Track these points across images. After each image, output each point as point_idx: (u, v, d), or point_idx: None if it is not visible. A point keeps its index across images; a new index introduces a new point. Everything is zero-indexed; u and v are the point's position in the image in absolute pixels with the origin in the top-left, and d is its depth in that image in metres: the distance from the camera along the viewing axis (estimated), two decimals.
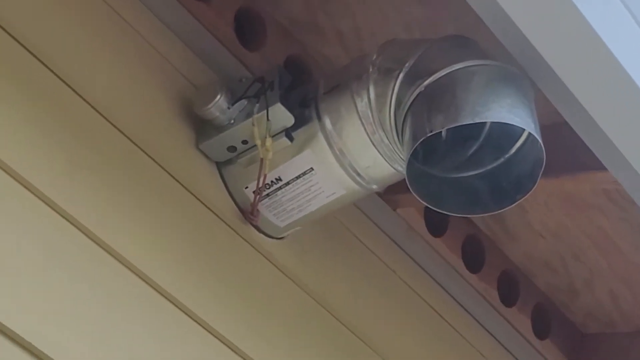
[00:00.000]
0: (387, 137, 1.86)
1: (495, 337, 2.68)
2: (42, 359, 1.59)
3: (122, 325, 1.75)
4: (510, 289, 2.72)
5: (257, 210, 1.94)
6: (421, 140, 1.74)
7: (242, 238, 1.99)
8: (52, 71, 1.77)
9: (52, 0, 1.85)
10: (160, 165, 1.89)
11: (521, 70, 1.80)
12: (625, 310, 2.77)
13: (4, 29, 1.69)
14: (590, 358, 2.93)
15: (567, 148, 2.01)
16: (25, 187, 1.63)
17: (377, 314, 2.35)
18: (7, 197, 1.62)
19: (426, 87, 1.77)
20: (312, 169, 1.91)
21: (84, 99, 1.80)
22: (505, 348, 2.71)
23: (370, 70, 1.88)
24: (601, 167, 1.95)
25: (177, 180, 1.90)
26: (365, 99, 1.86)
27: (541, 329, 2.79)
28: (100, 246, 1.74)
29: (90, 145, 1.80)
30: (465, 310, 2.61)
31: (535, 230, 2.50)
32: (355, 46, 2.22)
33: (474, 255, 2.65)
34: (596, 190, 2.25)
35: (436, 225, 2.56)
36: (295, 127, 1.89)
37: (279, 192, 1.93)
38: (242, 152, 1.91)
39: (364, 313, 2.30)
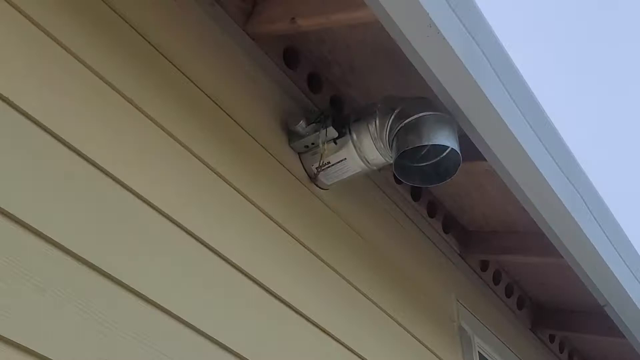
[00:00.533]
0: (383, 146, 2.12)
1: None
2: None
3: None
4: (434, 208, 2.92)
5: (317, 176, 2.19)
6: (402, 151, 2.04)
7: (309, 189, 2.20)
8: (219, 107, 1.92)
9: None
10: (271, 155, 2.08)
11: (451, 117, 2.06)
12: (490, 221, 2.94)
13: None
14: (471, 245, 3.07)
15: (471, 150, 2.18)
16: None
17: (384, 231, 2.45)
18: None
19: (405, 124, 2.05)
20: (345, 158, 2.16)
21: (236, 122, 1.98)
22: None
23: (377, 111, 2.13)
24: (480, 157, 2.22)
25: (280, 162, 2.11)
26: (373, 126, 2.11)
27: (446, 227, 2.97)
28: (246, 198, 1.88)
29: (232, 143, 1.95)
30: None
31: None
32: (369, 96, 2.36)
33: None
34: (480, 169, 2.43)
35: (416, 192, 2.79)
36: (338, 137, 2.14)
37: (328, 169, 2.17)
38: (312, 148, 2.16)
39: (368, 224, 2.42)
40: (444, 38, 1.82)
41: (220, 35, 2.05)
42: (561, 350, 3.68)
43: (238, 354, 1.69)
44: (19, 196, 1.33)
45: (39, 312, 1.28)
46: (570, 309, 3.40)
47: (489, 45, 1.99)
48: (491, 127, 2.07)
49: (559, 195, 2.29)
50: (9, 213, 1.29)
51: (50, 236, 1.34)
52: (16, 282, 1.26)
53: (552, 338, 3.60)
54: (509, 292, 3.31)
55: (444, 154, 2.08)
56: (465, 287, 2.99)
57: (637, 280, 2.81)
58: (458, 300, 2.88)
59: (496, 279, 3.23)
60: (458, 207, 2.93)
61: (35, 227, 1.32)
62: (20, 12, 1.47)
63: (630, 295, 2.76)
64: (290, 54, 2.26)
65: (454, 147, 2.02)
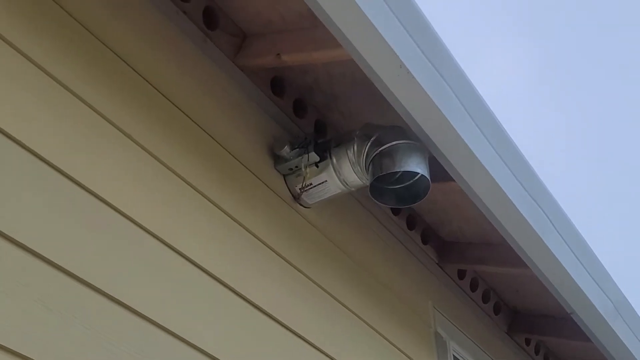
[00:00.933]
0: (360, 170, 2.29)
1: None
2: None
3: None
4: None
5: (300, 196, 2.36)
6: (377, 176, 2.22)
7: (292, 208, 2.36)
8: (215, 142, 2.11)
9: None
10: (257, 177, 2.24)
11: (422, 145, 2.23)
12: (466, 233, 3.13)
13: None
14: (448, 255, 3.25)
15: (444, 172, 2.36)
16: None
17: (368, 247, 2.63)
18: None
19: (380, 151, 2.23)
20: (326, 180, 2.33)
21: (226, 150, 2.15)
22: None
23: (355, 138, 2.30)
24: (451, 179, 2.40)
25: (265, 184, 2.27)
26: (352, 151, 2.28)
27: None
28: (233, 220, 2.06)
29: (221, 169, 2.13)
30: None
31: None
32: (349, 124, 2.55)
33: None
34: (454, 188, 2.50)
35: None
36: (319, 162, 2.31)
37: (311, 189, 2.34)
38: (295, 171, 2.33)
39: (348, 238, 2.59)
40: (414, 77, 2.01)
41: (212, 68, 2.23)
42: (537, 353, 3.88)
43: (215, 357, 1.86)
44: (33, 228, 1.51)
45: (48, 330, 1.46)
46: (544, 314, 3.58)
47: (456, 79, 2.18)
48: (458, 153, 2.27)
49: (522, 212, 2.49)
50: (33, 250, 1.48)
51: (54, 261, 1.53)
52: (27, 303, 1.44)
53: (527, 341, 3.80)
54: (485, 299, 3.50)
55: (415, 178, 2.27)
56: (442, 295, 3.18)
57: (602, 290, 3.01)
58: (435, 307, 3.07)
59: (473, 286, 3.42)
60: (436, 220, 3.11)
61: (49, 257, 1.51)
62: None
63: (594, 304, 2.95)
64: (277, 83, 2.44)
65: (423, 174, 2.21)
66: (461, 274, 3.35)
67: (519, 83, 20.67)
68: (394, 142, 2.24)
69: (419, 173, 2.23)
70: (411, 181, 2.30)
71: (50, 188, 1.59)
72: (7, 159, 1.51)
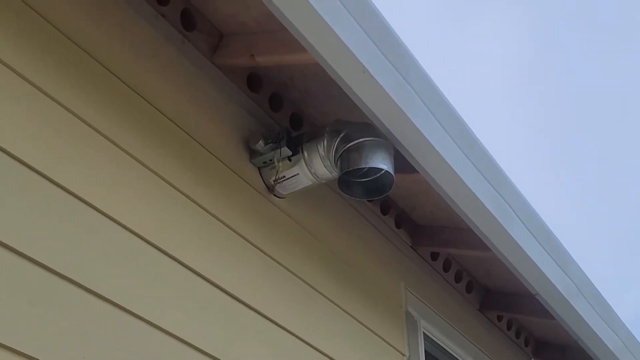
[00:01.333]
0: (330, 164, 2.42)
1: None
2: None
3: None
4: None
5: (274, 187, 2.49)
6: (345, 171, 2.37)
7: (267, 199, 2.49)
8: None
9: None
10: (232, 170, 2.37)
11: (388, 141, 2.37)
12: (438, 218, 3.28)
13: None
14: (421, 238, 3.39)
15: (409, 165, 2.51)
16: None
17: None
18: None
19: (349, 147, 2.36)
20: (298, 174, 2.46)
21: (203, 146, 2.28)
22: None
23: (325, 133, 2.43)
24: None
25: (240, 177, 2.39)
26: (322, 146, 2.42)
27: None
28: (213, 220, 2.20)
29: (198, 165, 2.26)
30: None
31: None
32: (323, 118, 2.68)
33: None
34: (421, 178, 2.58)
35: None
36: (292, 156, 2.44)
37: (284, 182, 2.47)
38: (269, 164, 2.46)
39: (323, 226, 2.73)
40: (377, 81, 2.14)
41: (190, 68, 2.35)
42: (509, 328, 4.06)
43: (205, 351, 2.04)
44: (22, 232, 1.65)
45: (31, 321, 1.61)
46: (514, 292, 3.73)
47: (418, 81, 2.31)
48: (420, 150, 2.41)
49: (483, 201, 2.63)
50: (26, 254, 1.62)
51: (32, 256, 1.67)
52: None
53: (500, 318, 3.97)
54: (458, 278, 3.66)
55: (381, 173, 2.41)
56: (415, 276, 3.33)
57: (564, 272, 3.17)
58: (407, 288, 3.22)
59: (446, 267, 3.58)
60: (409, 205, 3.26)
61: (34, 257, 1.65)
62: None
63: (557, 286, 3.12)
64: (253, 79, 2.56)
65: (387, 170, 2.35)
66: (434, 256, 3.50)
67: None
68: (361, 139, 2.38)
69: (383, 169, 2.35)
70: (377, 175, 2.44)
71: (31, 191, 1.73)
72: None
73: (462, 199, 2.62)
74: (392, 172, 2.38)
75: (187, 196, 2.18)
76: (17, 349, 1.54)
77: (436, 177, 2.51)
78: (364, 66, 2.10)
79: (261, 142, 2.46)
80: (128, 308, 1.85)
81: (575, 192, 20.62)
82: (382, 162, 2.36)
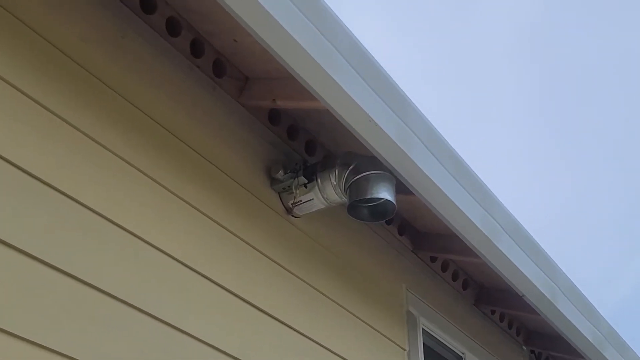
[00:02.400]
0: (341, 191, 2.76)
1: None
2: None
3: None
4: None
5: (292, 209, 2.83)
6: (354, 200, 2.71)
7: (286, 219, 2.82)
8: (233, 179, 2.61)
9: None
10: (255, 196, 2.69)
11: (391, 174, 2.72)
12: (436, 227, 3.70)
13: None
14: (422, 244, 4.04)
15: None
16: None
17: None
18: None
19: (357, 178, 2.70)
20: (313, 199, 2.79)
21: (230, 177, 2.61)
22: None
23: (337, 165, 2.77)
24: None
25: (262, 201, 2.72)
26: (334, 176, 2.75)
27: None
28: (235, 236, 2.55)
29: (225, 193, 2.60)
30: None
31: None
32: (335, 147, 3.01)
33: None
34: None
35: None
36: (307, 183, 2.77)
37: (301, 205, 2.80)
38: (288, 190, 2.80)
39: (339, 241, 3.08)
40: (381, 128, 2.50)
41: (219, 110, 2.70)
42: (502, 320, 4.44)
43: (226, 352, 2.41)
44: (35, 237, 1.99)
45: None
46: (506, 289, 4.09)
47: (416, 123, 2.67)
48: (421, 182, 2.78)
49: (472, 219, 3.01)
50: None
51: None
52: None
53: (493, 312, 4.35)
54: (455, 277, 4.03)
55: (384, 200, 2.78)
56: (415, 278, 3.69)
57: (548, 277, 3.55)
58: (408, 289, 3.59)
59: (444, 267, 3.95)
60: (411, 216, 3.62)
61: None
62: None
63: (542, 290, 3.50)
64: (273, 114, 2.93)
65: (389, 199, 2.72)
66: (433, 259, 3.87)
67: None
68: (367, 172, 2.74)
69: (386, 199, 2.73)
70: (381, 202, 2.81)
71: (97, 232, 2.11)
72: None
73: (455, 219, 2.99)
74: (394, 201, 2.74)
75: (216, 222, 2.51)
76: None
77: (433, 202, 2.88)
78: (369, 117, 2.46)
79: (281, 172, 2.82)
80: (160, 317, 2.20)
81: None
82: (385, 192, 2.72)
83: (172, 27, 2.51)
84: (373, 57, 2.48)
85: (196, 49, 2.60)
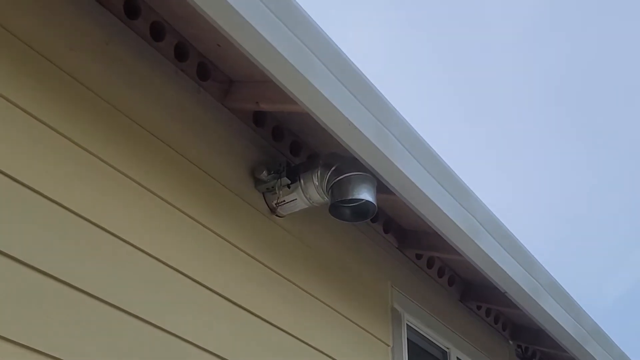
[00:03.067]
0: (323, 192, 2.82)
1: None
2: None
3: None
4: None
5: (276, 209, 2.89)
6: (337, 200, 2.78)
7: (269, 219, 2.88)
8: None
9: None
10: (239, 197, 2.75)
11: (372, 175, 2.78)
12: (420, 225, 3.95)
13: None
14: (407, 241, 4.07)
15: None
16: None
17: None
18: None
19: (339, 179, 2.77)
20: (296, 199, 2.85)
21: (214, 179, 2.66)
22: None
23: (319, 166, 2.83)
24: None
25: (246, 202, 2.77)
26: (317, 177, 2.81)
27: None
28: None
29: (210, 195, 2.65)
30: None
31: None
32: (318, 147, 3.07)
33: None
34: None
35: None
36: (290, 184, 2.83)
37: (284, 205, 2.86)
38: (271, 190, 2.86)
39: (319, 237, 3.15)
40: (361, 132, 2.56)
41: (204, 113, 2.75)
42: (488, 315, 4.50)
43: (210, 351, 2.47)
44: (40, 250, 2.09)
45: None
46: (491, 286, 4.17)
47: (398, 128, 2.74)
48: (400, 183, 2.84)
49: (452, 218, 3.07)
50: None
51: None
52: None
53: (479, 307, 4.42)
54: (441, 274, 4.09)
55: (365, 201, 2.84)
56: (400, 275, 3.75)
57: (529, 274, 3.62)
58: (393, 286, 3.64)
59: (430, 264, 4.01)
60: (396, 214, 3.68)
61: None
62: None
63: (523, 287, 3.57)
64: (258, 116, 2.98)
65: (370, 200, 2.78)
66: (419, 256, 3.92)
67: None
68: (349, 174, 2.81)
69: (367, 199, 2.80)
70: (361, 202, 2.87)
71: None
72: None
73: (435, 218, 3.06)
74: (375, 202, 2.80)
75: (201, 223, 2.57)
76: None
77: (413, 202, 2.94)
78: (348, 120, 2.52)
79: (265, 173, 2.88)
80: (145, 318, 2.26)
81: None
82: (366, 193, 2.79)
83: (157, 32, 2.57)
84: (352, 62, 2.54)
85: (180, 53, 2.66)
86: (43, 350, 1.91)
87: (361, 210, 2.90)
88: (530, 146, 21.76)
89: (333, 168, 2.84)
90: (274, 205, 2.94)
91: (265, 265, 2.84)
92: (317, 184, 2.87)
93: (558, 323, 3.86)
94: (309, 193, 2.90)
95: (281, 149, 3.07)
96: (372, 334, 3.38)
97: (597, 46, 20.80)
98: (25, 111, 2.06)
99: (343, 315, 3.20)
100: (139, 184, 2.37)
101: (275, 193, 2.90)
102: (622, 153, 20.98)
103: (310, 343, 2.94)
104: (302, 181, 2.89)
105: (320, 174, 2.86)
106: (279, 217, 3.00)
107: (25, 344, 1.88)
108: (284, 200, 2.93)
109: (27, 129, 2.06)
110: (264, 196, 2.95)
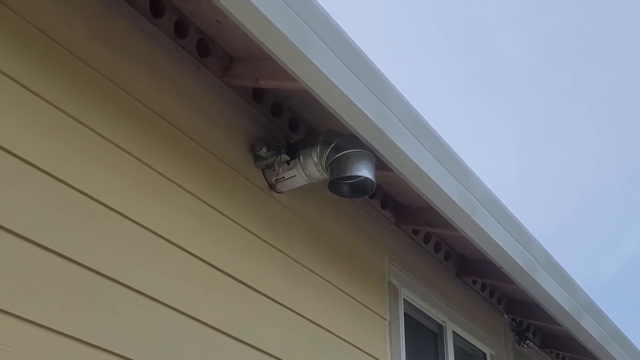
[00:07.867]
0: (322, 168, 2.79)
1: None
2: None
3: None
4: None
5: (275, 185, 2.88)
6: (336, 177, 2.75)
7: (269, 195, 2.87)
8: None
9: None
10: (239, 173, 2.73)
11: (371, 152, 2.75)
12: (418, 200, 3.92)
13: None
14: (404, 217, 4.05)
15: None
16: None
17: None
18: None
19: (338, 156, 2.74)
20: (295, 175, 2.83)
21: (215, 155, 2.63)
22: None
23: (319, 142, 2.80)
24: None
25: (246, 178, 2.75)
26: (316, 153, 2.78)
27: None
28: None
29: (210, 171, 2.63)
30: None
31: None
32: (317, 124, 3.07)
33: None
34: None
35: None
36: (290, 160, 2.81)
37: (283, 181, 2.84)
38: (271, 166, 2.84)
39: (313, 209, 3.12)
40: (360, 109, 2.53)
41: (204, 89, 2.72)
42: (483, 289, 4.52)
43: (214, 326, 2.46)
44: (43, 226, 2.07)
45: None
46: (487, 261, 4.16)
47: (397, 105, 2.71)
48: (398, 160, 2.82)
49: (449, 194, 3.05)
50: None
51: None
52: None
53: (474, 282, 4.43)
54: (437, 249, 4.10)
55: (363, 177, 2.82)
56: (398, 250, 3.74)
57: (525, 250, 3.61)
58: (390, 261, 3.64)
59: (426, 240, 4.01)
60: (393, 190, 3.67)
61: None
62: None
63: (518, 262, 3.57)
64: (257, 93, 2.95)
65: (368, 177, 2.75)
66: (416, 231, 3.92)
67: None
68: (348, 150, 2.78)
69: (365, 176, 2.77)
70: (360, 179, 2.84)
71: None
72: None
73: (432, 194, 3.04)
74: (373, 179, 2.78)
75: (200, 199, 2.55)
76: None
77: (411, 178, 2.92)
78: (348, 97, 2.50)
79: (264, 149, 2.86)
80: (144, 292, 2.25)
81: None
82: (365, 170, 2.76)
83: (156, 8, 2.54)
84: (351, 39, 2.51)
85: (180, 29, 2.62)
86: (40, 322, 1.91)
87: (360, 187, 2.88)
88: (536, 119, 21.58)
89: (332, 145, 2.82)
90: (273, 182, 2.92)
91: (264, 241, 2.82)
92: (316, 160, 2.84)
93: (553, 298, 3.87)
94: (308, 170, 2.87)
95: (280, 126, 3.05)
96: (369, 308, 3.37)
97: (609, 13, 20.45)
98: (22, 85, 2.03)
99: (341, 290, 3.20)
100: (138, 159, 2.35)
101: (275, 169, 2.88)
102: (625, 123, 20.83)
103: (308, 317, 2.94)
104: (301, 158, 2.87)
105: (320, 150, 2.84)
106: (278, 193, 2.98)
107: (21, 315, 1.87)
108: (283, 177, 2.91)
109: (24, 103, 2.04)
110: (263, 172, 2.93)
